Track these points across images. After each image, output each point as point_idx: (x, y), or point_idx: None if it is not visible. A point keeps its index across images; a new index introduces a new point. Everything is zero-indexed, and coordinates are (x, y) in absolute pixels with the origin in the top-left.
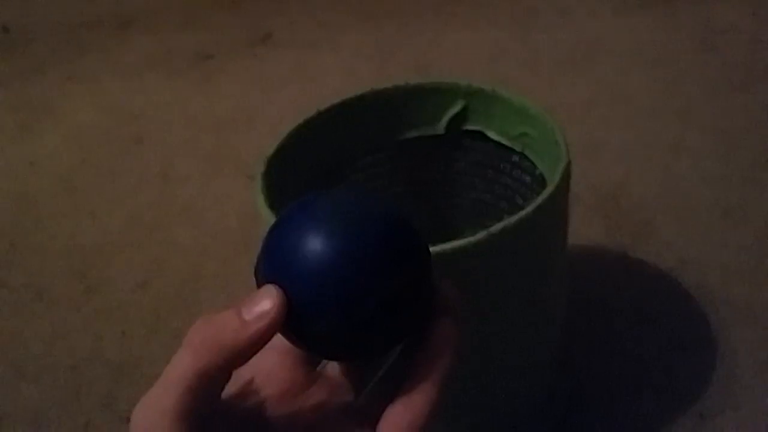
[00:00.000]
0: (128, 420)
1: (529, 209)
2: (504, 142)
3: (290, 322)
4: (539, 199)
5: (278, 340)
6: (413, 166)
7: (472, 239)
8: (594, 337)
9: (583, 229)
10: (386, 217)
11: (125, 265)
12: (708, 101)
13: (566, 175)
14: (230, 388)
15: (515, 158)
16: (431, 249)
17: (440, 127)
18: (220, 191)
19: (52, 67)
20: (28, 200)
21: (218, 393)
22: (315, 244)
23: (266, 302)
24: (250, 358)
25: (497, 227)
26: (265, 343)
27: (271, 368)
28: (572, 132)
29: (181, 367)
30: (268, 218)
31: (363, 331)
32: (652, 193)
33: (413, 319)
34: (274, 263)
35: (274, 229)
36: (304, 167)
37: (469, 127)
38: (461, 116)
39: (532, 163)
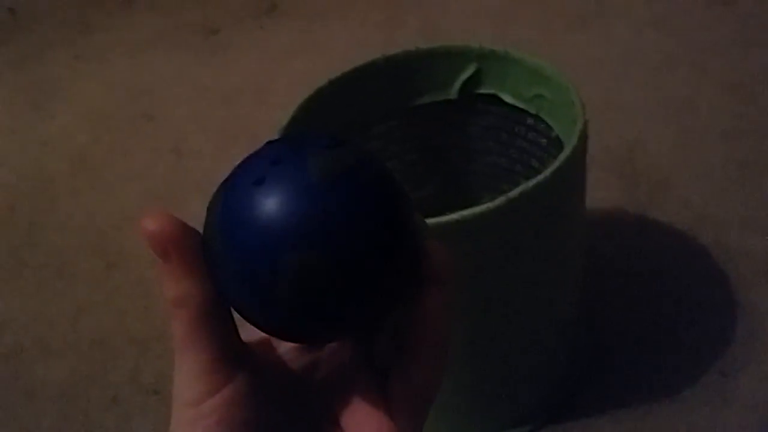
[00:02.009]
0: (155, 392)
1: (547, 172)
2: (518, 104)
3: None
4: (557, 162)
5: None
6: (427, 133)
7: (491, 205)
8: (614, 297)
9: (600, 190)
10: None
11: (143, 240)
12: (722, 56)
13: (583, 136)
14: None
15: (530, 121)
16: (449, 217)
17: (453, 92)
18: (233, 164)
19: (59, 47)
20: (44, 180)
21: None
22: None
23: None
24: None
25: (515, 192)
26: None
27: None
28: (585, 92)
29: None
30: None
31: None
32: (668, 150)
33: (391, 288)
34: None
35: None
36: None
37: (483, 90)
38: (474, 80)
39: (548, 125)
